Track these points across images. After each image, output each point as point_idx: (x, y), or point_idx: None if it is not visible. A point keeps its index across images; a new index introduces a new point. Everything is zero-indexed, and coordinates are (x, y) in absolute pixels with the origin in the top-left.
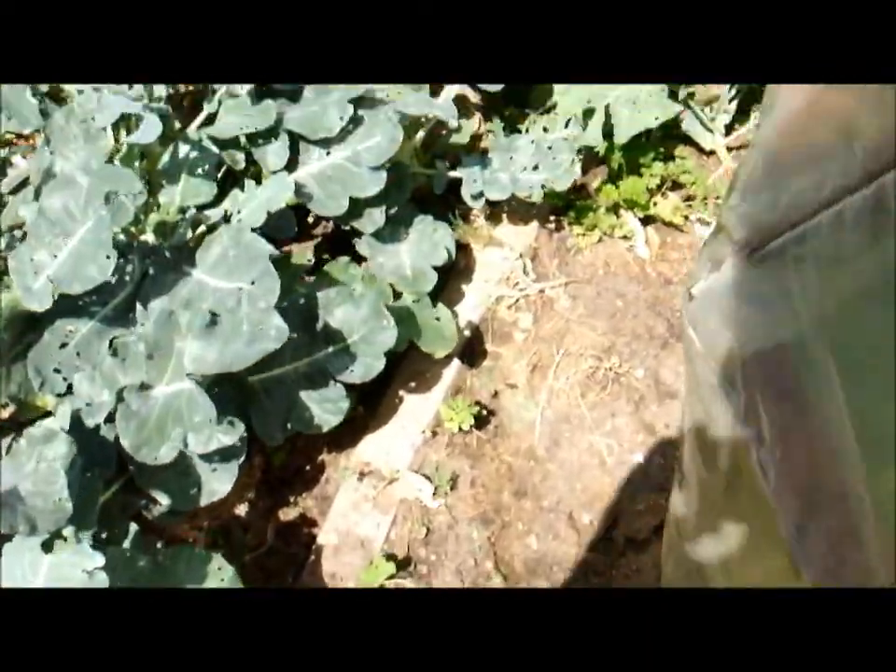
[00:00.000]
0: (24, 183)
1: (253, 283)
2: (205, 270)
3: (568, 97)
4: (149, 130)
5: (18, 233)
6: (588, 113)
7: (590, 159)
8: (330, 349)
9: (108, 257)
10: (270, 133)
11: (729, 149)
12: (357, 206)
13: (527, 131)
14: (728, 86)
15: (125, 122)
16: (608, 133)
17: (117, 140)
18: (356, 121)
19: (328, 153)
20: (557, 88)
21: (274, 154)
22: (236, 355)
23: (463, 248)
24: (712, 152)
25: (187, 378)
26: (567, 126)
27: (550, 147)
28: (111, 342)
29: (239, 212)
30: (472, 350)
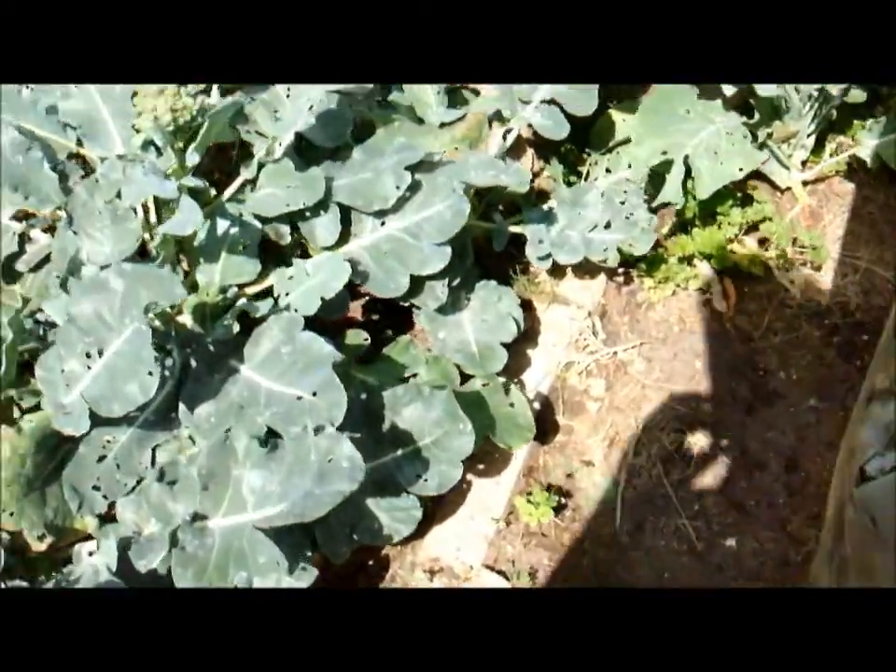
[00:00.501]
0: (46, 259)
1: (315, 394)
2: (255, 367)
3: (642, 148)
4: (187, 218)
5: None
6: (664, 165)
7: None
8: (399, 452)
9: (151, 373)
10: (318, 206)
11: (804, 183)
12: (417, 282)
13: (587, 175)
14: (809, 121)
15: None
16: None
17: (147, 220)
18: (412, 187)
19: (382, 223)
20: (632, 137)
21: (324, 228)
22: (306, 499)
23: (525, 306)
24: (787, 188)
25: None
26: (641, 182)
27: (623, 203)
28: (154, 455)
29: (287, 294)
30: (543, 424)
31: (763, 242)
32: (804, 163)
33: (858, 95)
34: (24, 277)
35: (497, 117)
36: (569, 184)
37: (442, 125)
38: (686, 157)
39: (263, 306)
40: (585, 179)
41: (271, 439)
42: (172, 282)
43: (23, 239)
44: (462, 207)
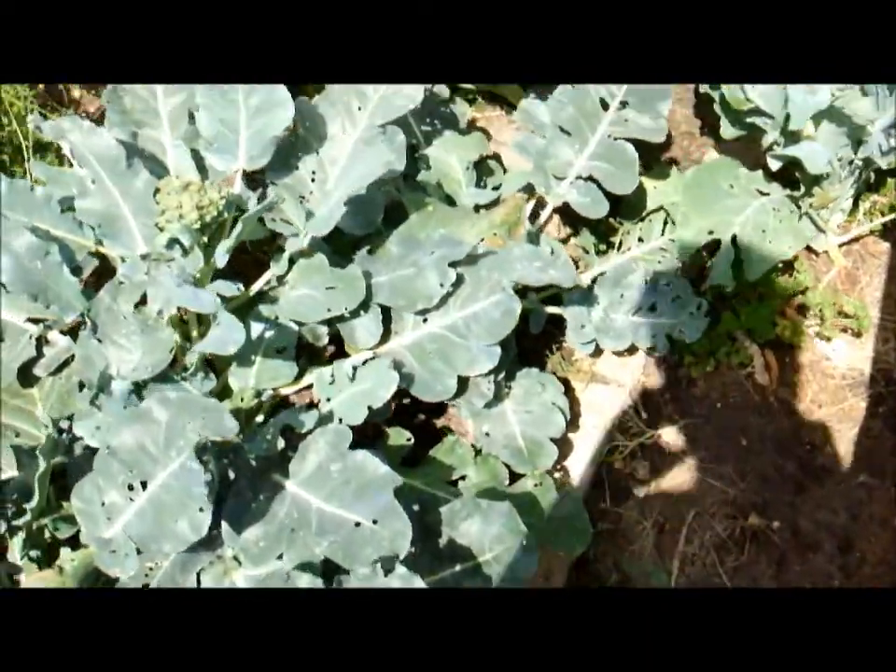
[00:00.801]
0: (66, 363)
1: (375, 521)
2: (302, 483)
3: (688, 228)
4: (228, 337)
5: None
6: (712, 246)
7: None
8: (458, 568)
9: (202, 509)
10: (359, 306)
11: (840, 245)
12: (462, 380)
13: (620, 244)
14: (850, 185)
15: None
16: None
17: (176, 325)
18: (454, 281)
19: (424, 320)
20: (678, 218)
21: (365, 329)
22: None
23: (562, 385)
24: (824, 252)
25: None
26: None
27: (668, 285)
28: (199, 578)
29: (328, 399)
30: (590, 513)
31: (801, 309)
32: (839, 226)
33: None
34: (43, 381)
35: (529, 190)
36: (599, 252)
37: (477, 207)
38: (734, 236)
39: (308, 419)
40: (618, 249)
41: (336, 576)
42: (220, 414)
43: (41, 342)
44: (512, 307)
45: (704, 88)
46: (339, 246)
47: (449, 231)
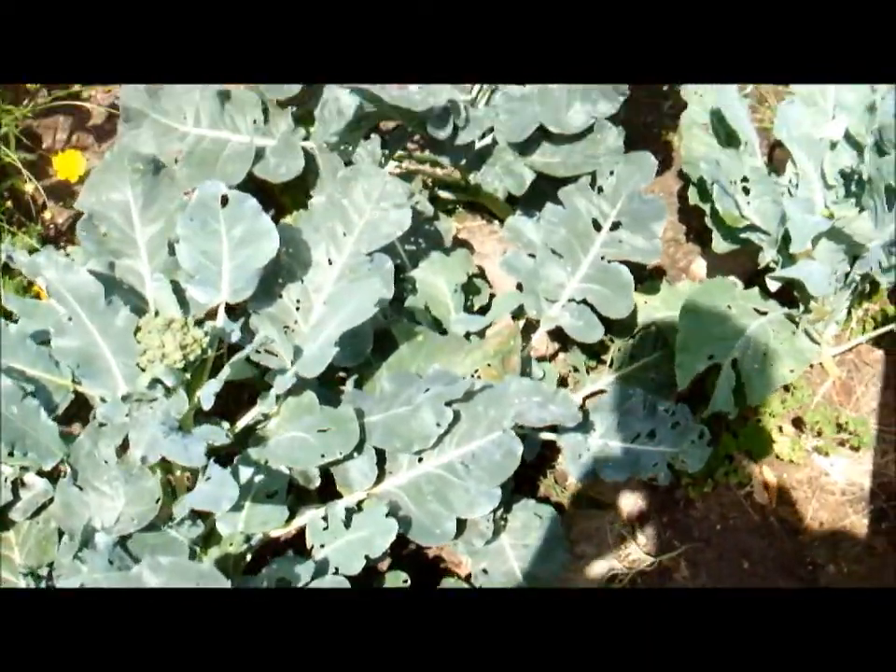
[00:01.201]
0: (44, 506)
1: None
2: None
3: (688, 354)
4: (220, 493)
5: None
6: (712, 371)
7: None
8: None
9: None
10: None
11: (834, 356)
12: (460, 521)
13: (612, 362)
14: (846, 298)
15: None
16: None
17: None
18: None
19: (419, 459)
20: (676, 344)
21: (359, 472)
22: None
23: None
24: (819, 363)
25: None
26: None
27: (667, 411)
28: None
29: (322, 545)
30: None
31: (798, 423)
32: (833, 336)
33: None
34: (19, 525)
35: (519, 311)
36: (590, 370)
37: (468, 335)
38: (734, 360)
39: (304, 571)
40: (610, 366)
41: None
42: (216, 579)
43: (17, 485)
44: (513, 448)
45: (694, 199)
46: (326, 378)
47: (442, 363)
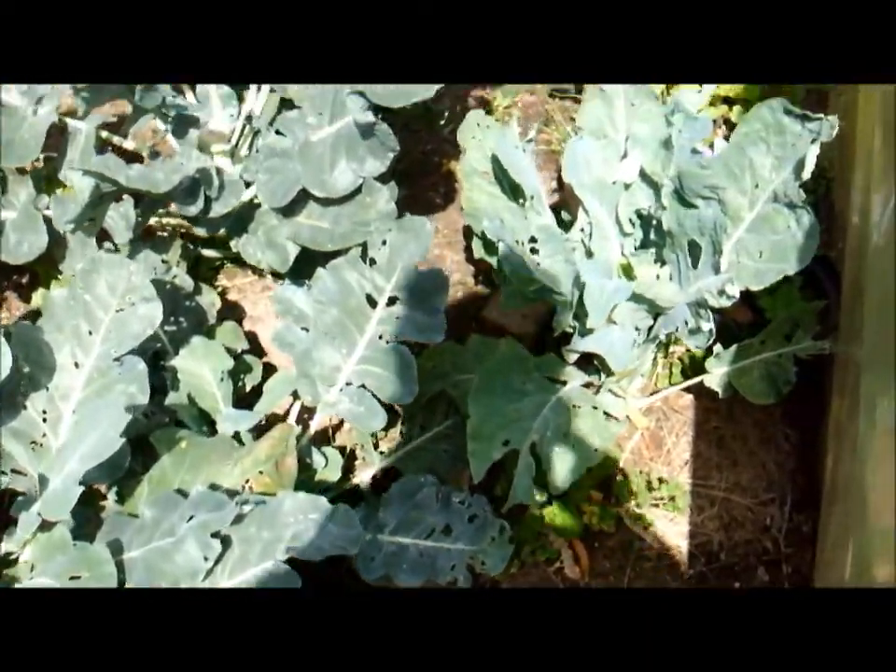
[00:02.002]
0: None
1: None
2: None
3: (480, 441)
4: None
5: None
6: (510, 458)
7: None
8: None
9: None
10: None
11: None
12: None
13: (402, 434)
14: (651, 350)
15: None
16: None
17: None
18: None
19: None
20: (468, 429)
21: None
22: None
23: None
24: (626, 416)
25: None
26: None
27: (462, 503)
28: None
29: None
30: None
31: (607, 488)
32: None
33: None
34: None
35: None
36: (377, 445)
37: (237, 436)
38: (533, 444)
39: None
40: (401, 436)
41: None
42: None
43: None
44: (292, 582)
45: (479, 253)
46: (85, 494)
47: (209, 474)
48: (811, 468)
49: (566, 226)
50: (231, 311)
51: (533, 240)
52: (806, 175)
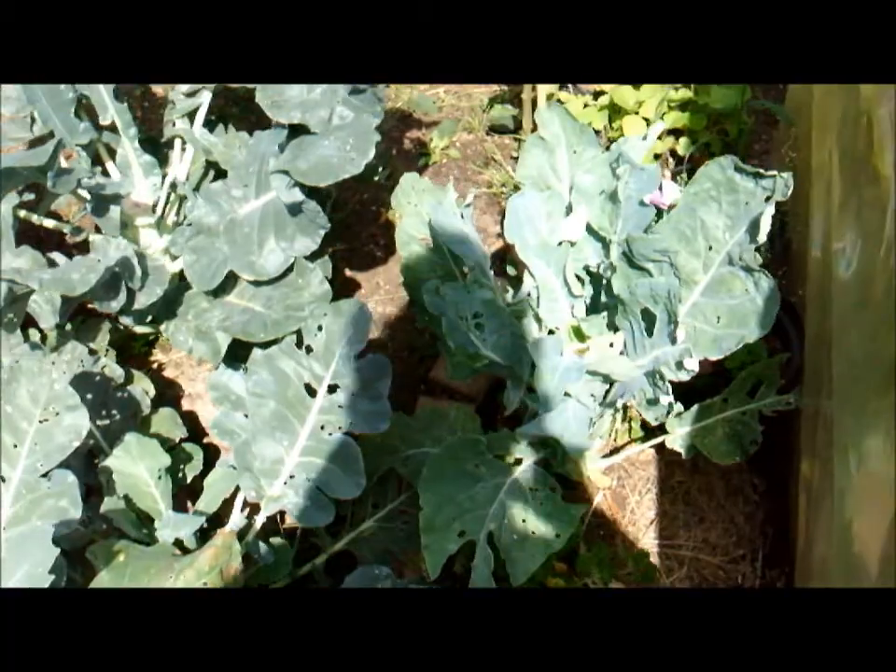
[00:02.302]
0: None
1: None
2: None
3: (434, 534)
4: None
5: None
6: (466, 550)
7: None
8: None
9: None
10: None
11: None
12: None
13: (351, 516)
14: (609, 414)
15: None
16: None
17: None
18: None
19: None
20: (420, 521)
21: None
22: None
23: None
24: (586, 478)
25: None
26: None
27: None
28: None
29: None
30: None
31: (571, 558)
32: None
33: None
34: None
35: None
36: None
37: (178, 542)
38: (490, 534)
39: None
40: (350, 520)
41: None
42: None
43: None
44: None
45: (422, 322)
46: None
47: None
48: (781, 518)
49: (512, 281)
50: (169, 389)
51: (477, 315)
52: (762, 237)
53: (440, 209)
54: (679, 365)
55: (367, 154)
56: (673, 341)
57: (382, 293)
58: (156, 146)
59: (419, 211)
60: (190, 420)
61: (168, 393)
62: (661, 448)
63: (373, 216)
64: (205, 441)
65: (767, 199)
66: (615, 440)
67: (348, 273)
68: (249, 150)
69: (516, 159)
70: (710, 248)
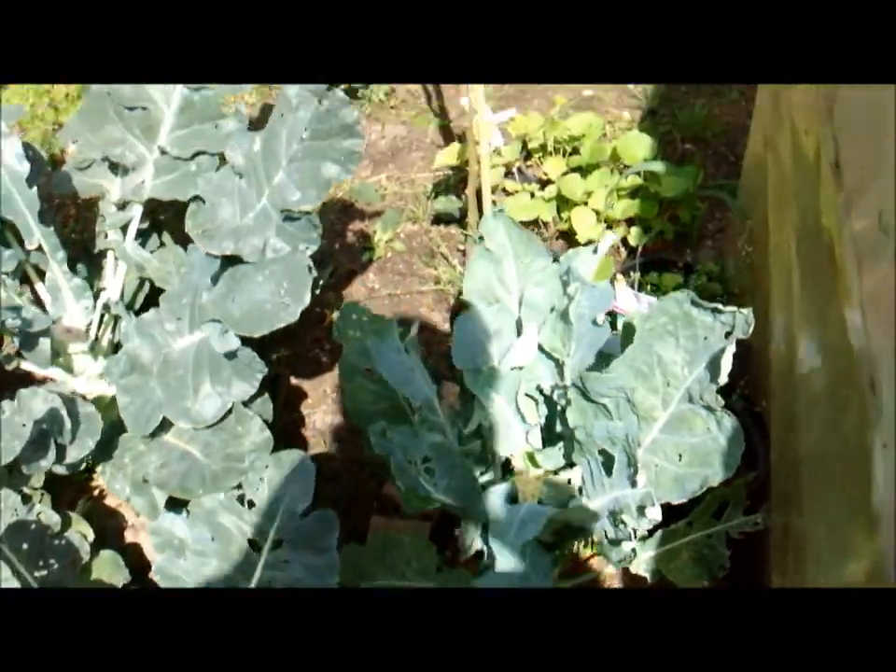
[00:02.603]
0: None
1: None
2: None
3: None
4: None
5: None
6: None
7: None
8: None
9: None
10: None
11: None
12: None
13: None
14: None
15: None
16: None
17: None
18: None
19: None
20: None
21: None
22: None
23: None
24: None
25: None
26: None
27: None
28: None
29: None
30: None
31: None
32: None
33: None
34: None
35: None
36: None
37: None
38: None
39: None
40: None
41: None
42: None
43: None
44: None
45: (370, 452)
46: None
47: None
48: None
49: (465, 397)
50: (110, 519)
51: (427, 459)
52: (723, 378)
53: (383, 347)
54: (641, 511)
55: (302, 300)
56: (633, 484)
57: (329, 402)
58: (90, 255)
59: (362, 342)
60: (135, 555)
61: (110, 524)
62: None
63: (317, 317)
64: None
65: (727, 334)
66: (578, 555)
67: (293, 381)
68: (181, 279)
69: (463, 252)
70: (669, 384)
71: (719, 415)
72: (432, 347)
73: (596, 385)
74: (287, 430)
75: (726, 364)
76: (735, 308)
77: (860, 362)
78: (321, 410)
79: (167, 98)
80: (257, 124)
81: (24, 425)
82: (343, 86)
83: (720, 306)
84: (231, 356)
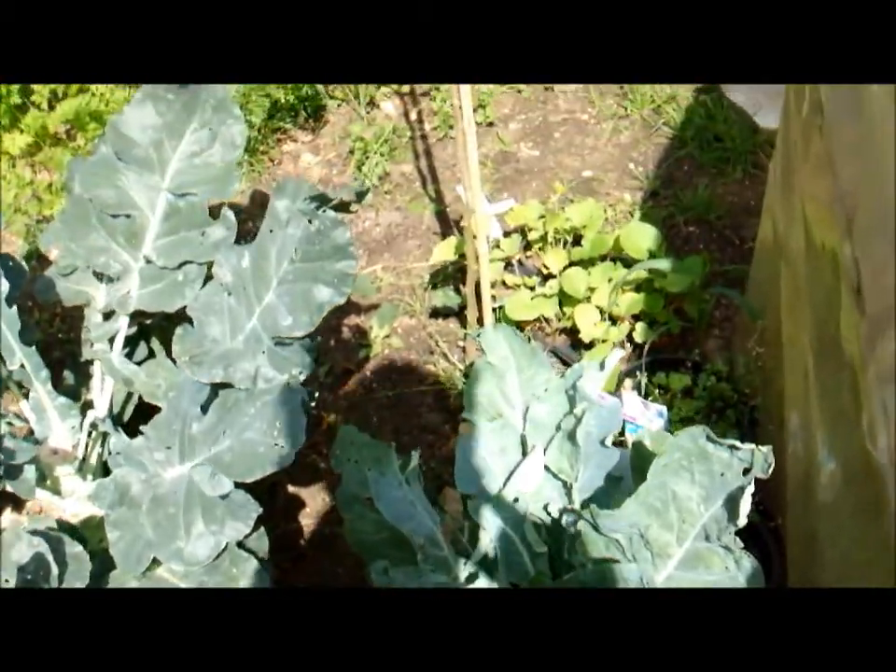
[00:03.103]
0: None
1: None
2: None
3: None
4: None
5: None
6: None
7: None
8: None
9: None
10: None
11: None
12: None
13: None
14: None
15: None
16: None
17: None
18: None
19: None
20: None
21: None
22: None
23: None
24: None
25: None
26: None
27: None
28: None
29: None
30: None
31: None
32: None
33: None
34: None
35: None
36: None
37: None
38: None
39: None
40: None
41: None
42: None
43: None
44: None
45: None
46: None
47: None
48: None
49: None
50: None
51: None
52: (742, 520)
53: (383, 483)
54: None
55: (297, 441)
56: None
57: (327, 512)
58: (76, 361)
59: (360, 468)
60: None
61: None
62: None
63: (314, 420)
64: None
65: (746, 471)
66: None
67: (290, 488)
68: (170, 403)
69: (463, 349)
70: (684, 521)
71: (737, 555)
72: (434, 450)
73: (608, 522)
74: (284, 542)
75: (745, 505)
76: (752, 445)
77: (885, 482)
78: (319, 521)
79: (152, 204)
80: (245, 214)
81: (6, 581)
82: (335, 201)
83: (737, 443)
84: (223, 496)
